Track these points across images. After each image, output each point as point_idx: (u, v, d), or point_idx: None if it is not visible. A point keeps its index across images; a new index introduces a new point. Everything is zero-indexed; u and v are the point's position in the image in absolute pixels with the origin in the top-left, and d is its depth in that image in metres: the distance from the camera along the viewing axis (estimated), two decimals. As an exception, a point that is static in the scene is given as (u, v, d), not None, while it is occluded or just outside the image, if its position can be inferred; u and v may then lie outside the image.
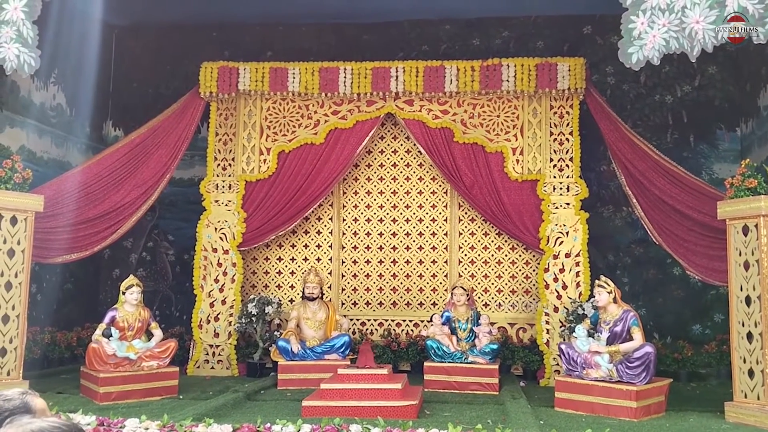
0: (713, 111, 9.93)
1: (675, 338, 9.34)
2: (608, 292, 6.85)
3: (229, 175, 9.25)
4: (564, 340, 8.05)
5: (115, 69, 11.10)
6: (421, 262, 9.49)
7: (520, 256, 9.29)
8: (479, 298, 9.20)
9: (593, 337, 6.94)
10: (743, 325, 6.29)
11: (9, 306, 6.89)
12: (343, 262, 9.59)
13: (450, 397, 7.28)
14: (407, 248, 9.53)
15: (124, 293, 7.45)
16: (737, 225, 6.35)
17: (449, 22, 10.42)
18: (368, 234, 9.60)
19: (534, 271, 9.14)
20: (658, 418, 6.33)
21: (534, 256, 9.14)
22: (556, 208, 8.73)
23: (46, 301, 9.31)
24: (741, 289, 6.31)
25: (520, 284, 9.25)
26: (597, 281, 7.00)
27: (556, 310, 8.53)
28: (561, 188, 8.78)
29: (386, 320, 9.41)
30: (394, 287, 9.49)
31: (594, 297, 7.57)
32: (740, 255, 6.33)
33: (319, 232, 9.63)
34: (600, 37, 10.10)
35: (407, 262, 9.51)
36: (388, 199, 9.60)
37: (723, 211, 6.49)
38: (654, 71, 10.08)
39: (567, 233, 8.66)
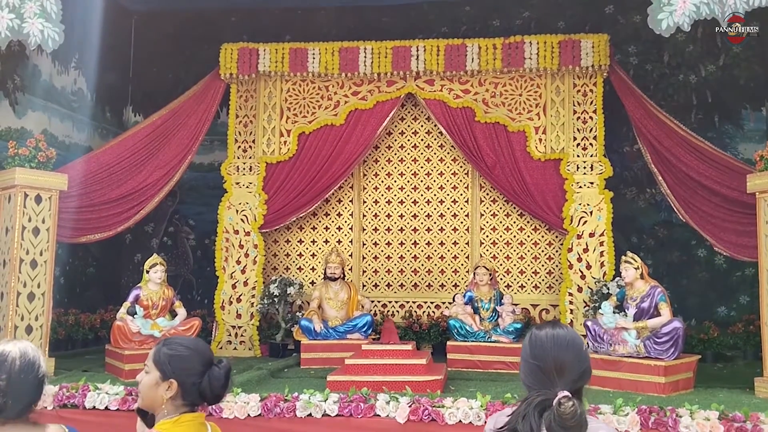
0: (738, 90, 9.75)
1: (700, 320, 9.22)
2: (635, 268, 6.78)
3: (250, 157, 9.24)
4: (588, 319, 7.97)
5: (134, 54, 11.13)
6: (442, 243, 9.44)
7: (542, 236, 9.21)
8: (501, 279, 9.14)
9: (619, 315, 6.86)
10: (774, 299, 6.19)
11: (35, 284, 6.94)
12: (364, 244, 9.56)
13: (474, 375, 7.24)
14: (428, 230, 9.47)
15: (148, 272, 7.48)
16: (768, 198, 6.24)
17: (469, 3, 10.32)
18: (389, 216, 9.56)
19: (556, 251, 9.06)
20: (687, 394, 6.24)
21: (556, 236, 9.06)
22: (580, 187, 8.63)
23: (69, 285, 9.37)
24: (772, 263, 6.20)
25: (542, 265, 9.17)
26: (623, 257, 6.93)
27: (580, 290, 8.45)
28: (585, 167, 8.68)
29: (407, 302, 9.37)
30: (415, 269, 9.45)
31: (619, 276, 7.50)
32: (771, 228, 6.22)
33: (339, 214, 9.61)
34: (622, 16, 9.96)
35: (428, 243, 9.46)
36: (408, 181, 9.55)
37: (753, 184, 6.38)
38: (677, 50, 9.95)
39: (591, 213, 8.56)
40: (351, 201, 9.60)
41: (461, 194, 9.44)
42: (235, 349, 8.80)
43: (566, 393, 1.88)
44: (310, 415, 5.15)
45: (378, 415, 5.05)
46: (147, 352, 7.07)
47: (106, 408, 5.51)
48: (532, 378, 2.02)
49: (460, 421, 4.94)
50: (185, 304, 8.11)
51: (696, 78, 9.89)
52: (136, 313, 7.21)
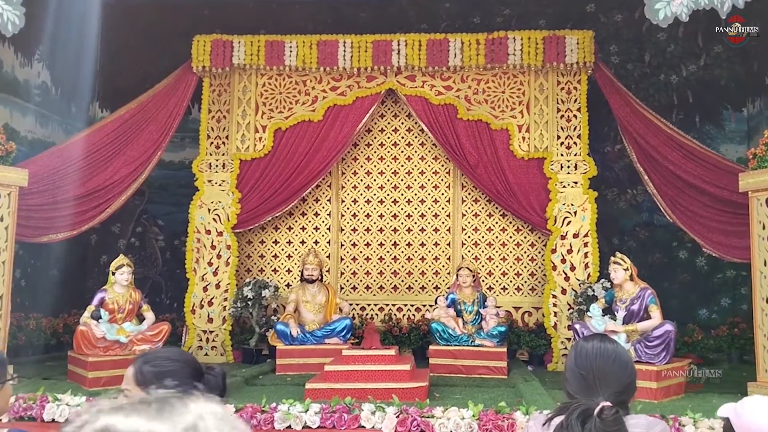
0: (719, 91, 9.70)
1: (681, 323, 9.05)
2: (624, 269, 6.58)
3: (223, 154, 8.86)
4: (572, 322, 7.76)
5: (102, 48, 10.61)
6: (422, 244, 9.17)
7: (525, 237, 8.99)
8: (483, 281, 8.89)
9: (608, 318, 6.66)
10: (767, 301, 6.03)
11: (-9, 286, 6.48)
12: (342, 245, 9.25)
13: (458, 380, 6.97)
14: (408, 230, 9.19)
15: (113, 273, 7.06)
16: (761, 197, 6.08)
17: (449, 0, 10.09)
18: (368, 216, 9.25)
19: (539, 253, 8.85)
20: (679, 399, 6.06)
21: (539, 237, 8.85)
22: (564, 187, 8.44)
23: (31, 287, 8.89)
24: (765, 264, 6.04)
25: (525, 267, 8.96)
26: (612, 258, 6.72)
27: (564, 292, 8.24)
28: (568, 166, 8.49)
29: (387, 305, 9.08)
30: (395, 271, 9.16)
31: (604, 278, 7.32)
32: (764, 228, 6.06)
33: (316, 214, 9.27)
34: (603, 14, 9.85)
35: (408, 244, 9.18)
36: (388, 180, 9.26)
37: (745, 182, 6.23)
38: (658, 50, 9.86)
39: (575, 213, 8.37)
40: (329, 200, 9.27)
41: (442, 194, 9.18)
42: (206, 354, 8.40)
43: (608, 403, 1.87)
44: (289, 427, 4.82)
45: (363, 427, 4.75)
46: (112, 359, 6.61)
47: (67, 421, 5.10)
48: (576, 386, 2.05)
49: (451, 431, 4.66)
50: (153, 308, 7.71)
51: (677, 78, 9.82)
52: (100, 318, 6.80)
